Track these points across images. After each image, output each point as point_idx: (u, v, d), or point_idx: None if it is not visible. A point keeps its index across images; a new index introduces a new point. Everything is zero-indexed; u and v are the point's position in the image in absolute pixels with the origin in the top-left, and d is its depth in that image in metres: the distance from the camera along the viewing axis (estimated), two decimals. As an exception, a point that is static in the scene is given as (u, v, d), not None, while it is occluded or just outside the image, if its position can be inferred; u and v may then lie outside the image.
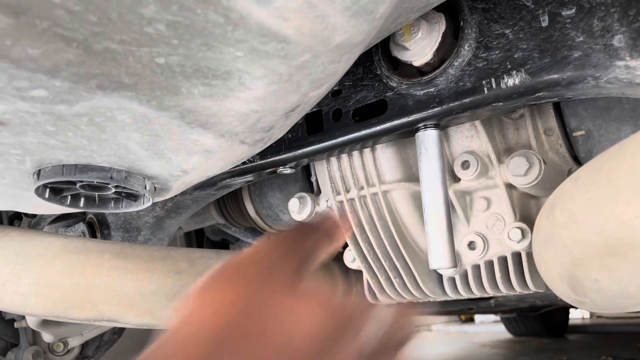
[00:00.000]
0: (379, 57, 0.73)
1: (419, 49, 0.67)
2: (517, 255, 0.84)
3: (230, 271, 0.44)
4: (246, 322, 0.41)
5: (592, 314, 5.97)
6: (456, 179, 0.82)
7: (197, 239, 1.68)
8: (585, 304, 0.59)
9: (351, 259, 1.01)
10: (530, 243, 0.78)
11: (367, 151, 0.88)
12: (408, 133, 0.73)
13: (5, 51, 0.35)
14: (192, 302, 0.43)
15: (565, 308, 3.94)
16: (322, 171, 0.96)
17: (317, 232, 0.50)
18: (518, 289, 0.85)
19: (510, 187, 0.80)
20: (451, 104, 0.66)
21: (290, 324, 0.43)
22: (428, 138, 0.71)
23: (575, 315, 5.95)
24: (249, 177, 0.89)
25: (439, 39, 0.67)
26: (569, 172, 0.80)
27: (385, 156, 0.87)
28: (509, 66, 0.62)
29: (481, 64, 0.64)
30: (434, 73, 0.67)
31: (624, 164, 0.45)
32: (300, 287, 0.45)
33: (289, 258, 0.46)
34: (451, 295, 0.93)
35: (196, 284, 0.44)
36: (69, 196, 0.63)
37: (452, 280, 0.92)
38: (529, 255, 0.82)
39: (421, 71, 0.69)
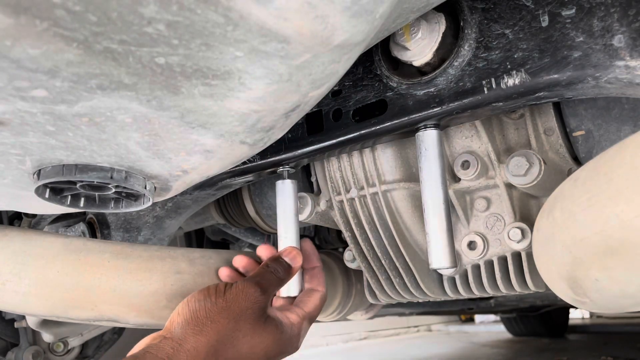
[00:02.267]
0: (379, 57, 0.73)
1: (419, 49, 0.67)
2: (517, 255, 0.84)
3: (205, 314, 0.64)
4: (217, 352, 0.62)
5: (592, 314, 5.97)
6: (456, 179, 0.82)
7: (197, 239, 1.68)
8: (585, 304, 0.59)
9: (351, 258, 1.01)
10: (530, 243, 0.78)
11: (367, 151, 0.88)
12: (408, 133, 0.74)
13: (5, 51, 0.35)
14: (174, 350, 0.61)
15: (565, 308, 3.94)
16: (322, 171, 0.96)
17: (269, 274, 0.73)
18: (518, 288, 0.85)
19: (510, 187, 0.80)
20: (451, 104, 0.66)
21: (251, 344, 0.66)
22: (428, 138, 0.71)
23: (575, 315, 5.95)
24: (249, 177, 0.89)
25: (439, 39, 0.67)
26: (569, 172, 0.80)
27: (385, 156, 0.87)
28: (509, 66, 0.62)
29: (481, 64, 0.64)
30: (434, 73, 0.67)
31: (624, 164, 0.45)
32: (260, 315, 0.67)
33: (248, 300, 0.67)
34: (451, 295, 0.93)
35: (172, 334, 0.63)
36: (69, 196, 0.63)
37: (452, 280, 0.92)
38: (529, 255, 0.83)
39: (421, 71, 0.69)
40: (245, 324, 0.66)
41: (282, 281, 0.75)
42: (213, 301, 0.66)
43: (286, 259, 0.77)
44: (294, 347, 0.73)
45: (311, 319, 0.77)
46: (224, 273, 0.80)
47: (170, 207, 1.04)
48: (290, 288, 0.80)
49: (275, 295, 0.77)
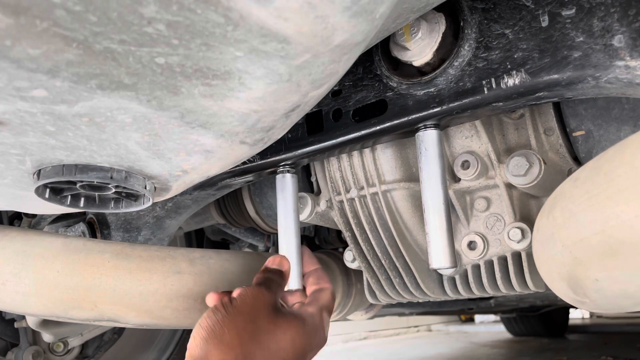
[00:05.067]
0: (379, 57, 0.73)
1: (419, 49, 0.67)
2: (517, 255, 0.84)
3: (220, 326, 0.64)
4: (245, 357, 0.62)
5: (592, 314, 5.97)
6: (456, 179, 0.82)
7: (197, 239, 1.68)
8: (585, 304, 0.59)
9: (351, 258, 1.01)
10: (530, 243, 0.78)
11: (367, 151, 0.88)
12: (408, 133, 0.74)
13: (5, 51, 0.35)
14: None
15: (565, 308, 3.94)
16: (322, 171, 0.96)
17: (275, 275, 0.74)
18: (518, 289, 0.85)
19: (510, 187, 0.80)
20: (451, 104, 0.66)
21: (276, 339, 0.66)
22: (428, 138, 0.71)
23: (575, 315, 5.96)
24: (249, 177, 0.89)
25: (439, 39, 0.67)
26: (569, 172, 0.80)
27: (385, 156, 0.87)
28: (509, 66, 0.62)
29: (481, 64, 0.64)
30: (434, 73, 0.67)
31: (624, 164, 0.45)
32: (273, 311, 0.68)
33: (257, 301, 0.67)
34: (451, 295, 0.93)
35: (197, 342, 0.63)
36: (69, 196, 0.63)
37: (452, 280, 0.92)
38: (529, 255, 0.83)
39: (421, 71, 0.69)
40: (262, 321, 0.66)
41: (280, 285, 0.75)
42: (224, 312, 0.66)
43: (274, 267, 0.77)
44: (322, 338, 0.73)
45: (329, 311, 0.78)
46: (212, 298, 0.77)
47: (170, 207, 1.04)
48: (291, 284, 0.80)
49: (280, 295, 0.77)
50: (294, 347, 0.67)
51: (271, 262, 0.77)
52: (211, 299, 0.75)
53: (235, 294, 0.69)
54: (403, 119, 0.70)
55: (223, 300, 0.68)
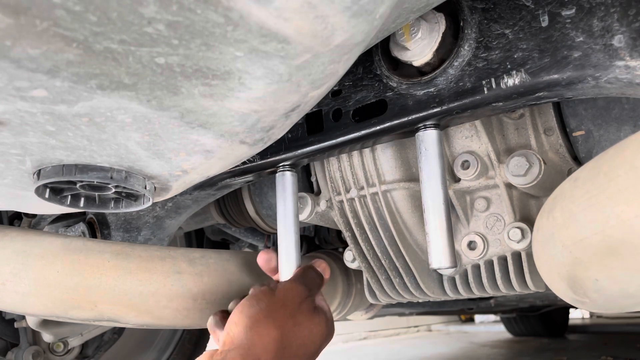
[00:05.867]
0: (379, 57, 0.73)
1: (419, 49, 0.67)
2: (517, 255, 0.84)
3: (264, 315, 0.67)
4: (284, 347, 0.66)
5: (592, 314, 5.97)
6: (456, 179, 0.82)
7: (197, 239, 1.68)
8: (585, 304, 0.59)
9: (351, 258, 1.01)
10: (530, 243, 0.78)
11: (367, 151, 0.88)
12: (408, 133, 0.74)
13: (5, 51, 0.35)
14: (241, 341, 0.65)
15: (565, 308, 3.94)
16: (322, 171, 0.96)
17: (314, 274, 0.78)
18: (518, 288, 0.85)
19: (510, 187, 0.80)
20: (451, 104, 0.66)
21: (311, 333, 0.70)
22: (428, 138, 0.71)
23: (575, 315, 5.96)
24: (249, 177, 0.89)
25: (439, 39, 0.67)
26: (569, 172, 0.80)
27: (385, 156, 0.87)
28: (508, 66, 0.62)
29: (481, 64, 0.64)
30: (434, 73, 0.67)
31: (624, 164, 0.45)
32: (312, 307, 0.73)
33: (299, 296, 0.72)
34: (451, 295, 0.93)
35: (237, 327, 0.67)
36: (69, 196, 0.63)
37: (452, 280, 0.92)
38: (529, 255, 0.82)
39: (421, 71, 0.69)
40: (301, 317, 0.70)
41: (319, 285, 0.79)
42: (267, 302, 0.69)
43: (319, 269, 0.81)
44: (334, 330, 0.78)
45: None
46: (213, 320, 0.79)
47: (170, 207, 1.04)
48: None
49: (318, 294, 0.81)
50: (321, 340, 0.73)
51: (317, 264, 0.81)
52: (216, 321, 0.77)
53: (278, 286, 0.74)
54: (403, 119, 0.70)
55: (265, 290, 0.72)
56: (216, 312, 0.79)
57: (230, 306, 0.79)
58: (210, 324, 0.78)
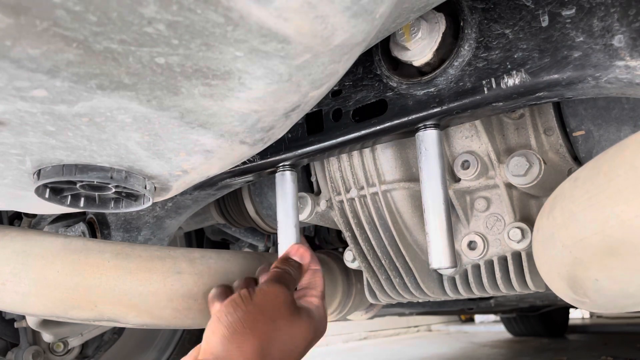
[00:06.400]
0: (379, 57, 0.73)
1: (419, 49, 0.67)
2: (517, 255, 0.84)
3: (242, 325, 0.64)
4: (265, 356, 0.63)
5: (592, 314, 5.97)
6: (456, 179, 0.82)
7: (197, 239, 1.68)
8: (585, 304, 0.59)
9: (351, 258, 1.01)
10: (530, 243, 0.78)
11: (367, 151, 0.88)
12: (408, 133, 0.74)
13: (5, 51, 0.35)
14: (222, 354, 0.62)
15: (565, 308, 3.94)
16: (322, 171, 0.96)
17: (292, 269, 0.75)
18: (518, 288, 0.85)
19: (510, 187, 0.80)
20: (451, 104, 0.66)
21: (292, 338, 0.68)
22: (428, 138, 0.71)
23: (575, 315, 5.96)
24: (249, 177, 0.89)
25: (439, 39, 0.67)
26: (569, 172, 0.80)
27: (385, 156, 0.87)
28: (509, 66, 0.62)
29: (481, 64, 0.64)
30: (434, 73, 0.67)
31: (624, 164, 0.45)
32: (292, 309, 0.69)
33: (277, 298, 0.68)
34: (451, 295, 0.93)
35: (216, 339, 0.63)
36: (69, 196, 0.63)
37: (452, 280, 0.92)
38: (529, 255, 0.82)
39: (421, 71, 0.69)
40: (282, 321, 0.67)
41: (296, 280, 0.75)
42: (244, 309, 0.66)
43: (295, 258, 0.77)
44: (325, 327, 0.75)
45: (324, 295, 0.79)
46: (214, 292, 0.77)
47: (170, 207, 1.04)
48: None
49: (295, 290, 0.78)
50: (306, 342, 0.70)
51: (293, 252, 0.77)
52: (217, 293, 0.75)
53: (256, 290, 0.69)
54: (403, 119, 0.70)
55: (243, 295, 0.68)
56: (218, 285, 0.77)
57: (211, 293, 0.76)
58: (210, 295, 0.75)
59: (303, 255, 0.78)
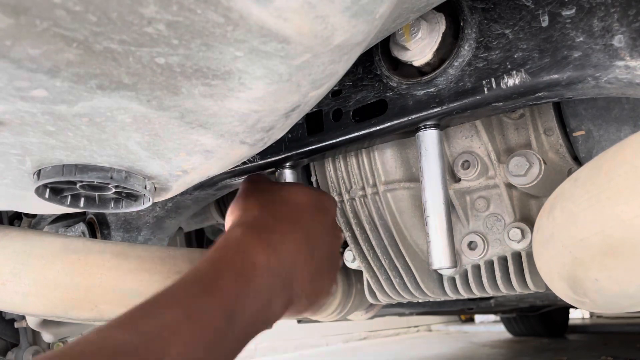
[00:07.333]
0: (379, 57, 0.73)
1: (419, 49, 0.67)
2: (517, 255, 0.84)
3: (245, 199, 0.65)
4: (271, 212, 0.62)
5: (592, 314, 5.98)
6: (456, 179, 0.82)
7: (197, 239, 1.68)
8: (585, 304, 0.59)
9: (351, 258, 1.01)
10: (530, 243, 0.78)
11: (367, 151, 0.88)
12: (408, 133, 0.74)
13: (5, 51, 0.35)
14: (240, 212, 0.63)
15: (565, 308, 3.94)
16: (322, 171, 0.96)
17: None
18: (518, 289, 0.85)
19: (510, 187, 0.80)
20: (451, 104, 0.66)
21: (335, 248, 0.68)
22: (428, 138, 0.71)
23: (575, 315, 5.96)
24: (249, 177, 0.89)
25: (439, 39, 0.67)
26: (569, 172, 0.80)
27: (385, 156, 0.87)
28: (509, 66, 0.62)
29: (481, 64, 0.64)
30: (434, 73, 0.67)
31: (624, 164, 0.45)
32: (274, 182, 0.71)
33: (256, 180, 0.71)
34: (451, 295, 0.93)
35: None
36: (69, 196, 0.63)
37: (452, 280, 0.92)
38: (529, 255, 0.83)
39: (421, 71, 0.69)
40: (268, 190, 0.67)
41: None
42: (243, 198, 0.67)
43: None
44: (337, 236, 0.73)
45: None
46: None
47: (170, 207, 1.04)
48: None
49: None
50: (337, 263, 0.67)
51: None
52: None
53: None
54: (403, 119, 0.70)
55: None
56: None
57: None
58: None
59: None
